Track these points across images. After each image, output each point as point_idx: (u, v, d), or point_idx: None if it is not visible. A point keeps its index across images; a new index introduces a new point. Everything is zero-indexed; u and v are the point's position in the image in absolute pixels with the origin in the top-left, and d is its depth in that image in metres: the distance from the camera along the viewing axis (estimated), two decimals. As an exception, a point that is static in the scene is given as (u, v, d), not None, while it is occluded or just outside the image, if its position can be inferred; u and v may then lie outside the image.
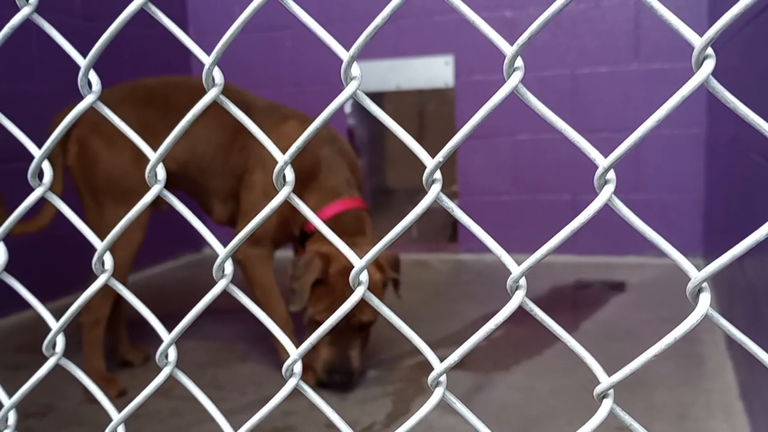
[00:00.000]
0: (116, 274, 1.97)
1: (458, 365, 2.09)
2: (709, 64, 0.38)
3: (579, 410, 1.71)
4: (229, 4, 3.64)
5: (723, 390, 1.77)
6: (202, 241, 3.92)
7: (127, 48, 3.18)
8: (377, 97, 3.93)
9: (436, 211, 3.91)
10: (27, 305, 2.69)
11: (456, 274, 3.23)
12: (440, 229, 3.79)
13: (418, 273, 3.24)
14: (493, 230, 3.39)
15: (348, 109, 3.60)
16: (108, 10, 3.09)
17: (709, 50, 0.39)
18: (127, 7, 0.49)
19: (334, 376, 1.86)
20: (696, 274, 0.39)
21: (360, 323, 1.88)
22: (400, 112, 4.37)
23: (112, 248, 1.48)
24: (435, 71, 3.35)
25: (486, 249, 3.40)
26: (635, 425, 0.42)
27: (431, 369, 1.98)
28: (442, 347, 2.20)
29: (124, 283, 2.00)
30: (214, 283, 0.52)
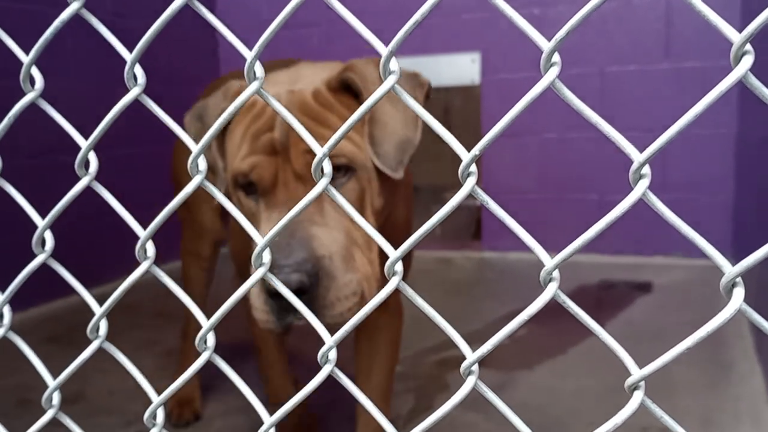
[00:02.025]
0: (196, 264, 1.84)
1: (481, 363, 2.08)
2: (748, 60, 0.39)
3: (602, 411, 1.70)
4: (259, 3, 3.68)
5: (751, 396, 1.75)
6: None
7: (156, 44, 3.23)
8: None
9: (460, 208, 3.91)
10: (55, 296, 2.75)
11: (479, 272, 3.23)
12: (464, 227, 3.78)
13: (442, 271, 3.25)
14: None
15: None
16: (137, 6, 3.14)
17: (748, 46, 0.39)
18: (171, 4, 0.50)
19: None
20: (730, 269, 0.39)
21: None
22: (426, 109, 4.36)
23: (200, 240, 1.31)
24: (461, 68, 3.34)
25: (510, 247, 3.40)
26: (666, 417, 0.42)
27: (454, 366, 1.98)
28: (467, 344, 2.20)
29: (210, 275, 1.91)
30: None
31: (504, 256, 3.40)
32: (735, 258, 2.94)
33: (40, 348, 2.26)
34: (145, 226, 0.57)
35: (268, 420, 0.52)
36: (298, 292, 0.86)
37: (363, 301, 0.96)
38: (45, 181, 2.27)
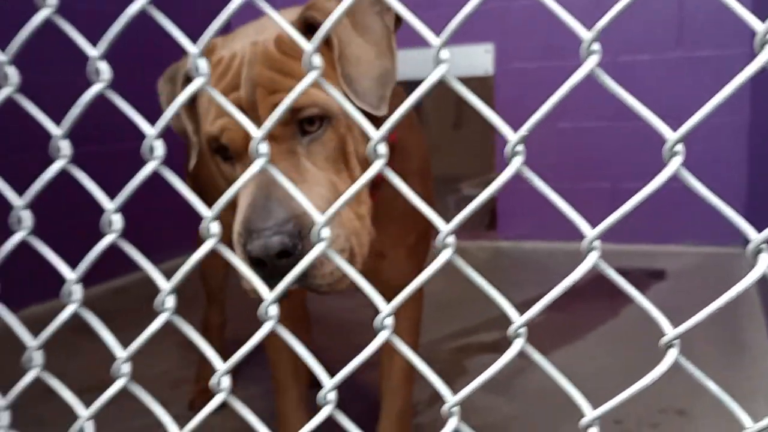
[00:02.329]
0: None
1: (498, 348, 2.13)
2: (773, 46, 0.43)
3: (620, 392, 1.74)
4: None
5: (765, 375, 1.79)
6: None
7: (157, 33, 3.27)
8: (416, 85, 3.95)
9: (474, 198, 3.94)
10: (100, 280, 2.85)
11: (494, 261, 3.26)
12: (479, 217, 3.82)
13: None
14: (532, 216, 3.41)
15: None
16: None
17: (773, 34, 0.43)
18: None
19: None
20: (756, 236, 0.44)
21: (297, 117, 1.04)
22: (440, 100, 4.39)
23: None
24: (475, 59, 3.37)
25: (524, 236, 3.44)
26: (697, 373, 0.47)
27: (472, 352, 2.00)
28: (482, 331, 2.24)
29: None
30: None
31: (519, 245, 3.43)
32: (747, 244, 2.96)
33: (65, 337, 2.32)
34: (167, 214, 0.62)
35: None
36: (282, 254, 0.79)
37: (353, 258, 0.89)
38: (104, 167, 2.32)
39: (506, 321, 0.53)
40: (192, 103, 0.99)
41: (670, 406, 1.64)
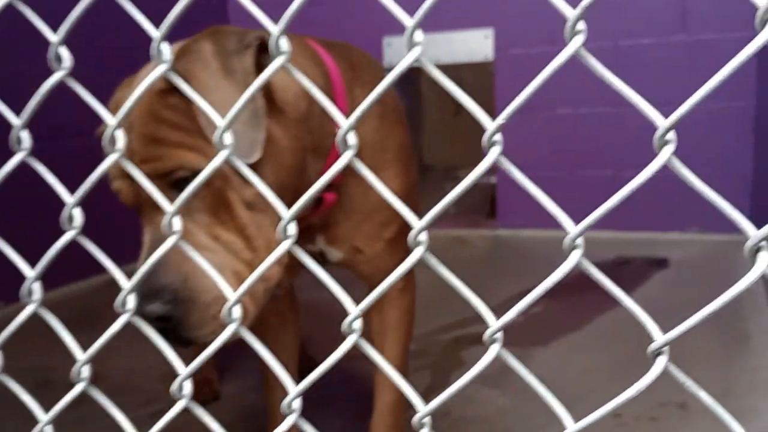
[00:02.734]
0: None
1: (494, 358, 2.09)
2: (775, 24, 0.38)
3: (617, 385, 1.70)
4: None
5: (767, 367, 1.75)
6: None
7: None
8: (416, 72, 3.91)
9: (474, 186, 3.90)
10: (69, 280, 2.80)
11: (493, 250, 3.23)
12: (478, 206, 3.78)
13: (455, 249, 3.25)
14: (532, 205, 3.36)
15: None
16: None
17: (775, 10, 0.39)
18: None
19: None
20: (755, 232, 0.40)
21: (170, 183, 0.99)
22: (439, 86, 4.31)
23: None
24: (474, 45, 3.32)
25: (524, 225, 3.40)
26: (689, 382, 0.43)
27: (468, 344, 1.97)
28: (479, 322, 2.21)
29: None
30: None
31: (518, 233, 3.40)
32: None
33: (54, 332, 2.31)
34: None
35: None
36: (161, 320, 0.80)
37: (246, 311, 0.84)
38: (67, 163, 2.29)
39: (503, 312, 0.49)
40: None
41: (670, 399, 1.60)
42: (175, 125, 0.86)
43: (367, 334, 1.36)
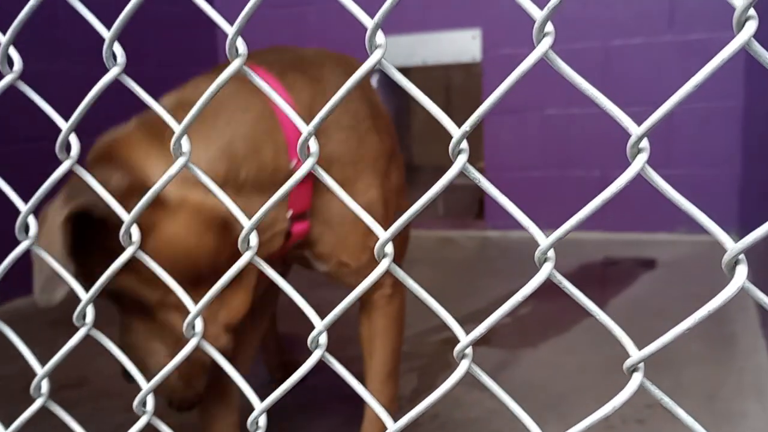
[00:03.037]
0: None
1: (484, 341, 2.08)
2: (752, 26, 0.37)
3: (605, 387, 1.69)
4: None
5: (755, 370, 1.74)
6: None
7: (151, 24, 3.19)
8: (403, 73, 3.88)
9: (462, 187, 3.89)
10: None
11: (482, 251, 3.22)
12: (467, 206, 3.76)
13: (444, 250, 3.24)
14: (520, 206, 3.33)
15: (374, 83, 3.58)
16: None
17: (752, 11, 0.37)
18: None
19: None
20: (733, 246, 0.38)
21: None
22: (427, 87, 4.30)
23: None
24: (462, 45, 3.30)
25: (512, 226, 3.38)
26: (666, 399, 0.41)
27: (457, 344, 1.95)
28: (467, 323, 2.19)
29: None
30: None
31: (506, 235, 3.38)
32: (741, 234, 2.92)
33: (44, 332, 2.27)
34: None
35: None
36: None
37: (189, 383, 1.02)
38: (26, 168, 2.25)
39: (491, 313, 0.47)
40: None
41: (656, 401, 1.59)
42: None
43: (357, 339, 1.34)
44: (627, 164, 0.40)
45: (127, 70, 0.52)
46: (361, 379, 1.38)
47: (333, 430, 1.56)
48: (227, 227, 0.89)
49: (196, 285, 0.86)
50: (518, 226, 3.53)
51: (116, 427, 1.60)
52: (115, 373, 1.91)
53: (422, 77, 3.56)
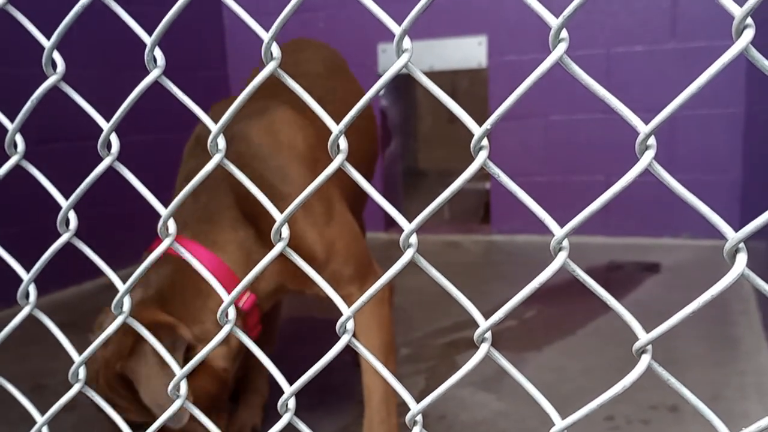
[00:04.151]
0: None
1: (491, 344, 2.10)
2: (749, 33, 0.40)
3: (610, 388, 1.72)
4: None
5: (757, 371, 1.77)
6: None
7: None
8: (411, 78, 3.93)
9: (469, 192, 3.92)
10: (67, 284, 2.79)
11: (487, 255, 3.24)
12: (473, 211, 3.80)
13: (450, 254, 3.26)
14: (526, 211, 3.37)
15: (381, 90, 3.62)
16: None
17: (749, 20, 0.40)
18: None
19: None
20: (733, 235, 0.41)
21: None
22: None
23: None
24: (468, 51, 3.34)
25: (518, 230, 3.42)
26: (672, 380, 0.44)
27: (463, 348, 1.98)
28: (473, 326, 2.21)
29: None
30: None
31: (512, 239, 3.41)
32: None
33: (53, 335, 2.30)
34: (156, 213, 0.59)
35: None
36: None
37: None
38: (63, 168, 2.29)
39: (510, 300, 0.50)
40: None
41: (661, 402, 1.62)
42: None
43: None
44: (631, 169, 0.43)
45: (137, 74, 0.56)
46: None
47: (343, 430, 1.59)
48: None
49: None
50: (524, 230, 3.54)
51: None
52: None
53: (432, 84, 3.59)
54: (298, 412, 0.56)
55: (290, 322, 2.36)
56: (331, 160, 0.49)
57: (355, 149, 1.48)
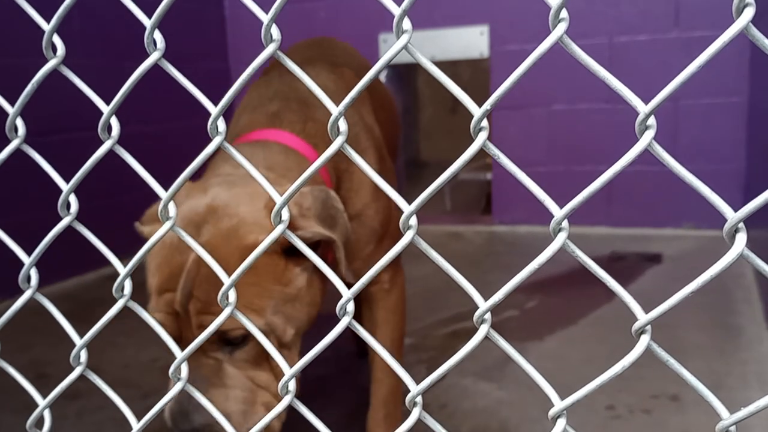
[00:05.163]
0: None
1: (483, 339, 2.11)
2: (749, 12, 0.40)
3: (606, 382, 1.72)
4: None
5: (759, 360, 1.77)
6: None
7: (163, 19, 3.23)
8: (412, 69, 3.92)
9: (470, 182, 3.92)
10: (69, 275, 2.81)
11: (490, 245, 3.24)
12: (474, 201, 3.80)
13: (452, 244, 3.27)
14: (528, 201, 3.38)
15: (383, 78, 3.61)
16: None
17: (750, -1, 0.40)
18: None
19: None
20: (733, 214, 0.41)
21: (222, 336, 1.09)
22: (435, 83, 4.35)
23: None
24: (470, 41, 3.33)
25: (520, 221, 3.42)
26: (672, 361, 0.44)
27: (465, 337, 1.98)
28: (475, 316, 2.22)
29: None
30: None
31: (514, 229, 3.41)
32: (745, 226, 2.94)
33: (55, 324, 2.32)
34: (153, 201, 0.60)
35: None
36: None
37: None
38: (64, 158, 2.30)
39: (499, 306, 0.50)
40: None
41: (662, 391, 1.62)
42: (255, 284, 0.96)
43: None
44: (636, 160, 0.43)
45: (137, 63, 0.56)
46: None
47: (343, 419, 1.59)
48: None
49: None
50: (526, 221, 3.55)
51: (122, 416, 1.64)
52: (128, 363, 1.96)
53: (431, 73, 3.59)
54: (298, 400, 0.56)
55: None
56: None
57: (385, 132, 1.47)
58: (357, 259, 1.23)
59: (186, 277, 0.94)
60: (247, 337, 0.97)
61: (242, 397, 0.98)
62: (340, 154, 1.10)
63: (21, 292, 0.68)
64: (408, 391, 0.50)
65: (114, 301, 0.63)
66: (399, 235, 1.29)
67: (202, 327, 0.93)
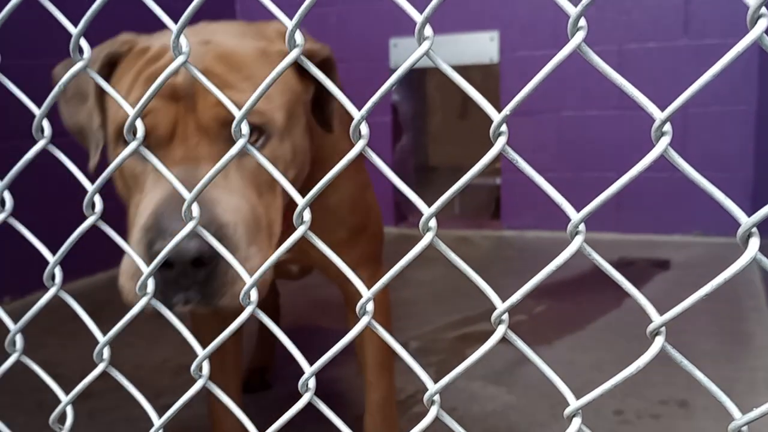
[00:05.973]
0: None
1: (500, 339, 2.11)
2: (763, 23, 0.41)
3: (620, 383, 1.73)
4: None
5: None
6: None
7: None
8: (422, 73, 3.94)
9: (479, 187, 3.92)
10: (79, 275, 2.83)
11: (498, 250, 3.25)
12: (483, 206, 3.80)
13: (460, 249, 3.27)
14: (536, 207, 3.39)
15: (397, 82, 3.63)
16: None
17: (764, 9, 0.41)
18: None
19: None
20: (746, 219, 0.42)
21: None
22: (445, 88, 4.36)
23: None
24: (480, 47, 3.34)
25: (528, 226, 3.42)
26: (685, 362, 0.45)
27: (474, 341, 1.98)
28: (484, 320, 2.23)
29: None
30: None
31: (522, 234, 3.41)
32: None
33: (66, 326, 2.33)
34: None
35: None
36: (196, 263, 0.71)
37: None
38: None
39: (508, 311, 0.51)
40: (102, 95, 0.92)
41: (671, 397, 1.62)
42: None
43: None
44: (647, 155, 0.44)
45: None
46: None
47: (357, 421, 1.60)
48: None
49: None
50: (534, 226, 3.55)
51: (143, 414, 1.65)
52: (140, 364, 1.98)
53: (441, 78, 3.61)
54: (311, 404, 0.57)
55: (294, 330, 2.38)
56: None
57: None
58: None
59: (194, 58, 0.79)
60: (260, 139, 0.84)
61: (248, 214, 0.81)
62: (327, 139, 1.03)
63: (30, 291, 0.69)
64: (425, 389, 0.51)
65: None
66: (379, 235, 1.26)
67: (219, 106, 0.79)
